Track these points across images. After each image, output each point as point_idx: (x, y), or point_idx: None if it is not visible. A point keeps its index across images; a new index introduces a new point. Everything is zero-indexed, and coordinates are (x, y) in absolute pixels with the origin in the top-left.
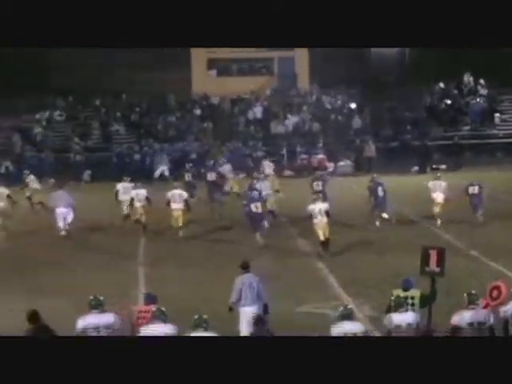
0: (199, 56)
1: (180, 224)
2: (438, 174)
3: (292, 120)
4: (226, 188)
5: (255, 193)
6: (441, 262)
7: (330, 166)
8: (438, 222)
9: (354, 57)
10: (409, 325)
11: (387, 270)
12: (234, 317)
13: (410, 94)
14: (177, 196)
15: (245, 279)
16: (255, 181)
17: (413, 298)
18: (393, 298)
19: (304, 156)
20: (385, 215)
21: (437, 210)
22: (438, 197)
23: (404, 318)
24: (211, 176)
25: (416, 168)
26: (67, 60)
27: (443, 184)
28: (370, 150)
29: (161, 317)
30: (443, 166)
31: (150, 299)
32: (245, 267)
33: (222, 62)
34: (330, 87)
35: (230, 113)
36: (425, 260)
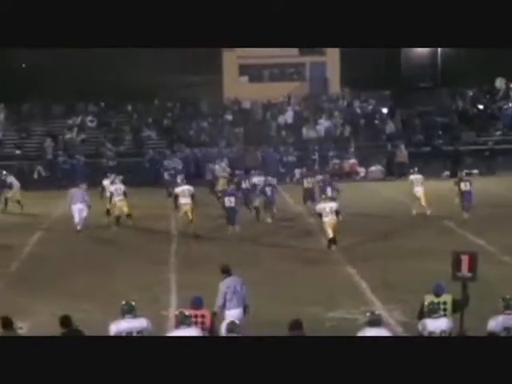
0: (231, 62)
1: (190, 218)
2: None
3: (323, 125)
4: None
5: (232, 188)
6: (473, 266)
7: (361, 170)
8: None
9: (385, 61)
10: (443, 331)
11: (418, 274)
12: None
13: (441, 99)
14: (186, 191)
15: (229, 283)
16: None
17: (445, 303)
18: (426, 303)
19: (336, 161)
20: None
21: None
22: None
23: (438, 325)
24: (245, 184)
25: (447, 173)
26: (100, 64)
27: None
28: (402, 154)
29: (185, 321)
30: (475, 171)
31: (198, 303)
32: (226, 271)
33: (254, 67)
34: (361, 92)
35: (262, 118)
36: (456, 265)
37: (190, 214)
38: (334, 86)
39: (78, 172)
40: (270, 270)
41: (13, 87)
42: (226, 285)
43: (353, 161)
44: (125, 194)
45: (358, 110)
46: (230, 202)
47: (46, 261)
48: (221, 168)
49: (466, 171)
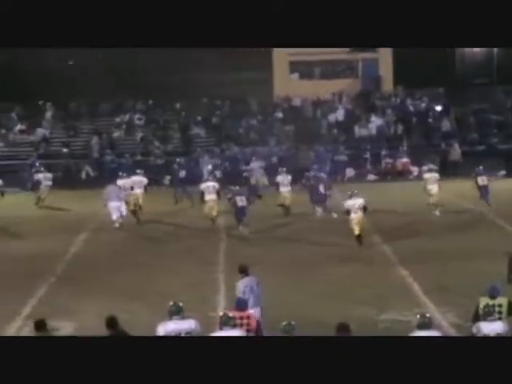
0: (281, 59)
1: (214, 214)
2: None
3: (375, 123)
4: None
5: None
6: None
7: (414, 169)
8: None
9: (439, 58)
10: (498, 334)
11: (472, 276)
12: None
13: (496, 96)
14: (211, 188)
15: (246, 282)
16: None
17: (500, 305)
18: (481, 306)
19: (388, 160)
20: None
21: None
22: None
23: (494, 328)
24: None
25: (503, 172)
26: (147, 63)
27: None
28: (456, 153)
29: (229, 323)
30: None
31: (243, 305)
32: (243, 271)
33: (305, 64)
34: (414, 89)
35: (312, 116)
36: None
37: (214, 211)
38: (387, 84)
39: (125, 171)
40: (319, 270)
41: (60, 85)
42: (243, 284)
43: (405, 160)
44: (218, 193)
45: (411, 108)
46: (241, 201)
47: (92, 261)
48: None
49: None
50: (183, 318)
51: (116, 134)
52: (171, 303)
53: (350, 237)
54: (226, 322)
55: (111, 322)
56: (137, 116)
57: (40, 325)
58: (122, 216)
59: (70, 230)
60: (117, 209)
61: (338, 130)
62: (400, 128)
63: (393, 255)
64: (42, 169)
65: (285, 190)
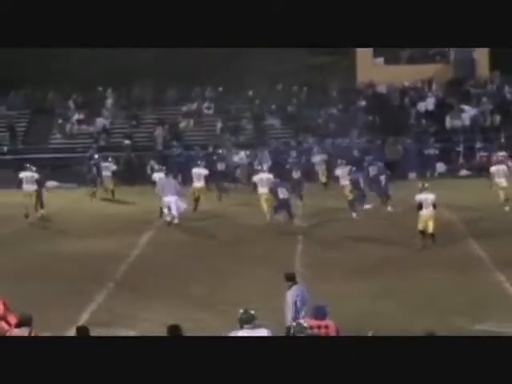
0: None
1: (266, 209)
2: None
3: (469, 113)
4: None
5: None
6: None
7: None
8: None
9: None
10: None
11: None
12: None
13: None
14: (264, 180)
15: (297, 291)
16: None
17: None
18: None
19: (483, 153)
20: None
21: None
22: None
23: None
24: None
25: None
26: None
27: None
28: None
29: (302, 331)
30: None
31: (321, 313)
32: (291, 279)
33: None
34: None
35: (399, 104)
36: None
37: (266, 205)
38: (482, 69)
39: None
40: (407, 276)
41: (122, 70)
42: (294, 294)
43: (503, 153)
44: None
45: (510, 96)
46: (282, 193)
47: (155, 264)
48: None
49: None
50: (255, 326)
51: (183, 125)
52: (241, 311)
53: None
54: (300, 330)
55: (174, 331)
56: (205, 104)
57: (82, 332)
58: (176, 212)
59: (131, 230)
60: (174, 204)
61: (428, 120)
62: (497, 118)
63: (488, 259)
64: (102, 161)
65: (345, 183)
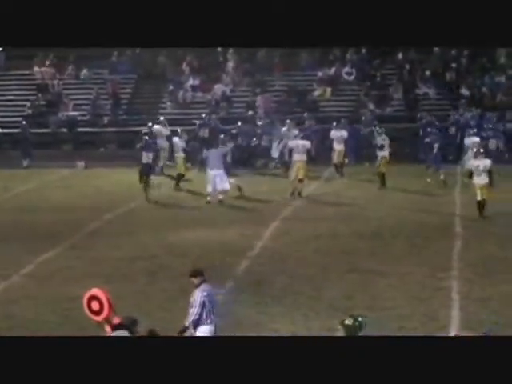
0: None
1: (300, 177)
2: None
3: None
4: None
5: None
6: None
7: None
8: None
9: None
10: None
11: None
12: None
13: None
14: (300, 146)
15: (207, 290)
16: None
17: None
18: None
19: None
20: None
21: None
22: None
23: None
24: None
25: None
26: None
27: None
28: None
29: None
30: None
31: None
32: (199, 274)
33: None
34: None
35: None
36: None
37: (300, 173)
38: None
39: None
40: None
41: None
42: (203, 293)
43: None
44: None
45: None
46: None
47: (285, 259)
48: None
49: None
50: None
51: (317, 93)
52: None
53: None
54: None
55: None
56: (345, 69)
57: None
58: (224, 191)
59: (255, 221)
60: (218, 178)
61: None
62: None
63: None
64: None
65: None
